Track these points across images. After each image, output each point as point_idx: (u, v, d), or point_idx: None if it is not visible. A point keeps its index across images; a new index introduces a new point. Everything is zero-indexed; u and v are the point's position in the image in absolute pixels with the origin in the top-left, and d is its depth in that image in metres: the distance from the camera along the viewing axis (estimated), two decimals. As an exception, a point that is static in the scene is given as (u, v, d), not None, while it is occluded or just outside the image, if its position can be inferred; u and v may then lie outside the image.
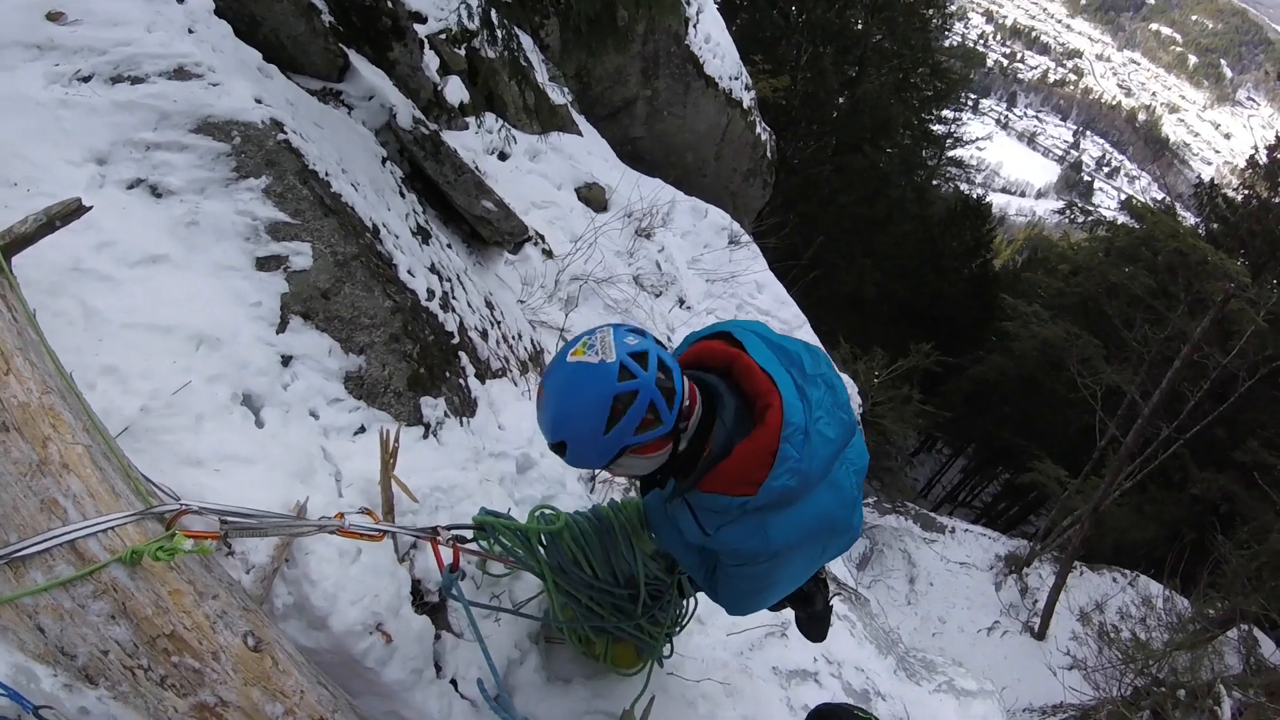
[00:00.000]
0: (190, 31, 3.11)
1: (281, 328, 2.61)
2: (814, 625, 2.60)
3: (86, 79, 2.76)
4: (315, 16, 4.25)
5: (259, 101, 3.02)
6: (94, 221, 2.27)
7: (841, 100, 21.42)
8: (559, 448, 1.75)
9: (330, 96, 4.30)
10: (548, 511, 2.60)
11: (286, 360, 2.58)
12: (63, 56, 2.78)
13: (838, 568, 8.16)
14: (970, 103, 31.47)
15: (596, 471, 4.47)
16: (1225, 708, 7.72)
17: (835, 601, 5.56)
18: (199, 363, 2.31)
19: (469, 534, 2.43)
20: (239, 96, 2.96)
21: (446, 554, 2.35)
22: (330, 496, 2.36)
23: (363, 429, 2.71)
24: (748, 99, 12.50)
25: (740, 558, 1.93)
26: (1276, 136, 17.02)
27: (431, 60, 6.23)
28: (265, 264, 2.67)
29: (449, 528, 2.34)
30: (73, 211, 2.09)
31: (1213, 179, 20.24)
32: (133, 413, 2.06)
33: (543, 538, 2.53)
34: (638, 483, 2.28)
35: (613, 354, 1.67)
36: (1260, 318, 12.38)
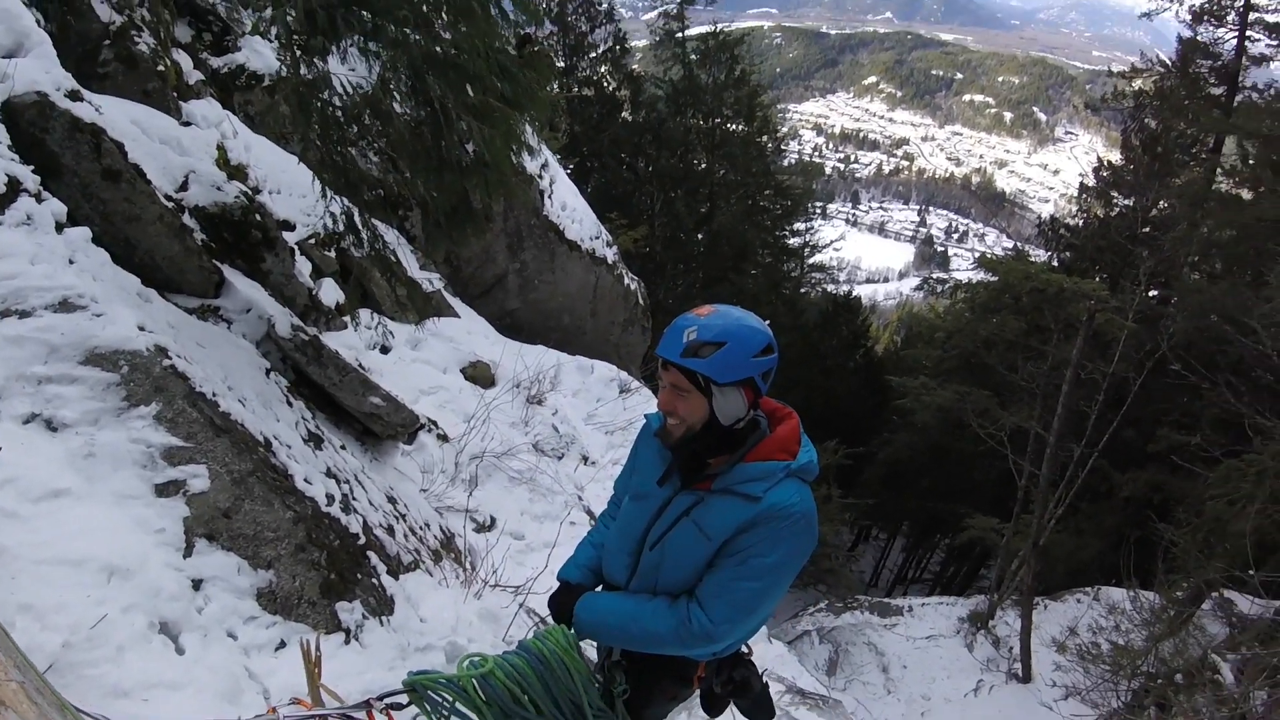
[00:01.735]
0: (71, 262, 3.17)
1: (188, 552, 2.63)
2: (759, 708, 2.63)
3: (-26, 315, 2.79)
4: (188, 236, 4.37)
5: (142, 329, 3.11)
6: (-6, 458, 2.29)
7: (700, 237, 22.82)
8: (711, 349, 2.01)
9: (209, 313, 4.40)
10: (475, 658, 2.58)
11: (197, 584, 2.59)
12: (-49, 291, 2.81)
13: (804, 680, 8.07)
14: (818, 210, 33.79)
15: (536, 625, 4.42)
16: (1225, 671, 7.80)
17: (803, 710, 5.54)
18: (112, 594, 2.30)
19: (403, 700, 2.40)
20: (123, 324, 3.05)
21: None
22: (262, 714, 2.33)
23: (283, 643, 2.70)
24: (611, 254, 13.19)
25: (768, 528, 2.10)
26: (1098, 158, 18.91)
27: (304, 265, 6.39)
28: (164, 490, 2.71)
29: (380, 696, 2.27)
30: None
31: (1052, 214, 22.09)
32: (55, 649, 2.04)
33: (477, 685, 2.51)
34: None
35: None
36: (1129, 321, 13.28)
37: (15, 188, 3.22)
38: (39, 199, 3.30)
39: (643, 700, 2.72)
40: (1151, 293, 15.89)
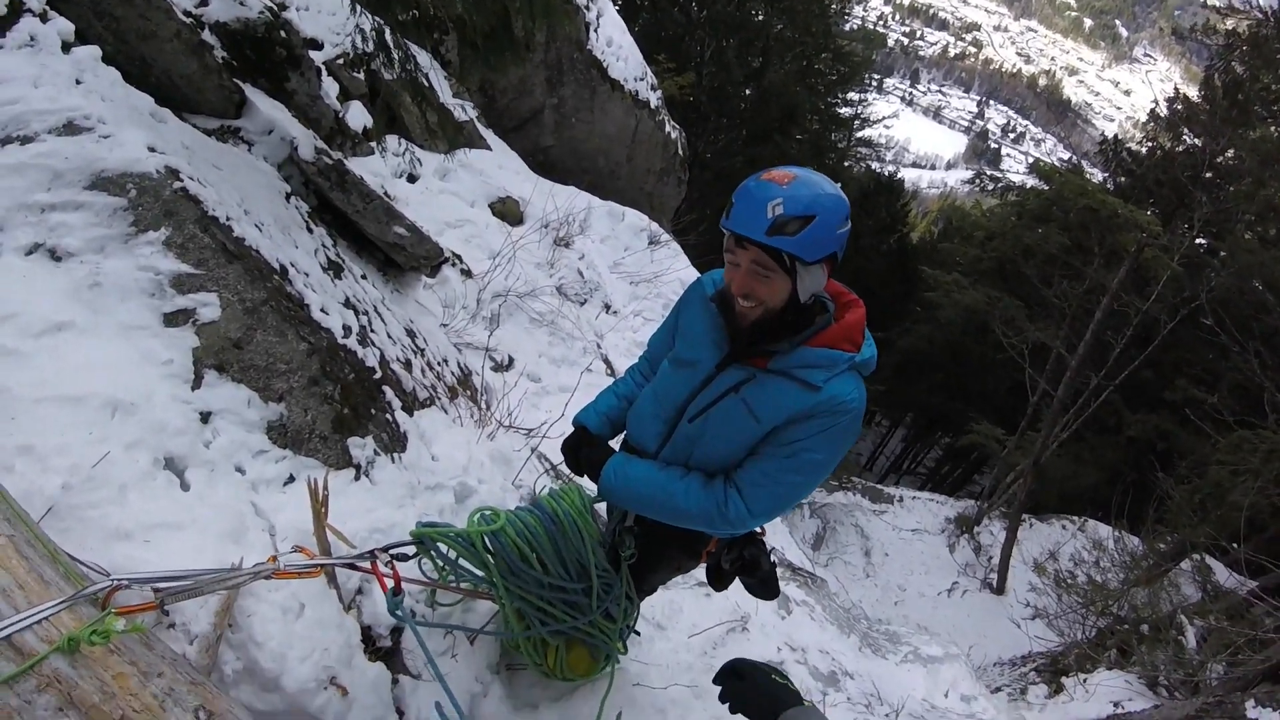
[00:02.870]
0: (78, 83, 2.98)
1: (196, 384, 2.53)
2: (765, 586, 2.62)
3: (-26, 144, 2.63)
4: (207, 53, 4.13)
5: (152, 150, 2.91)
6: (-6, 292, 2.17)
7: (748, 92, 21.77)
8: (798, 225, 1.81)
9: (228, 134, 4.19)
10: (486, 512, 2.54)
11: (205, 417, 2.50)
12: (-53, 122, 2.65)
13: (792, 552, 8.30)
14: (874, 83, 32.36)
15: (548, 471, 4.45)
16: (1189, 635, 8.05)
17: (792, 587, 5.67)
18: (116, 430, 2.22)
19: (410, 550, 2.36)
20: (132, 147, 2.85)
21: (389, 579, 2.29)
22: (266, 553, 2.27)
23: (291, 479, 2.64)
24: (654, 99, 12.57)
25: (823, 421, 2.00)
26: (1175, 89, 17.80)
27: (331, 87, 6.10)
28: (173, 319, 2.58)
29: (386, 548, 2.26)
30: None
31: (1116, 135, 21.02)
32: (54, 491, 1.97)
33: (486, 540, 2.47)
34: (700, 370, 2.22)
35: None
36: (1175, 262, 12.95)
37: (17, 8, 2.99)
38: (44, 19, 3.06)
39: (648, 567, 2.76)
40: (1201, 240, 15.37)
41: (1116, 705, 6.79)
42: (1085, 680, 7.40)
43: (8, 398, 2.09)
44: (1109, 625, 10.23)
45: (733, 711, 1.74)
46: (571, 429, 2.64)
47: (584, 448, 2.51)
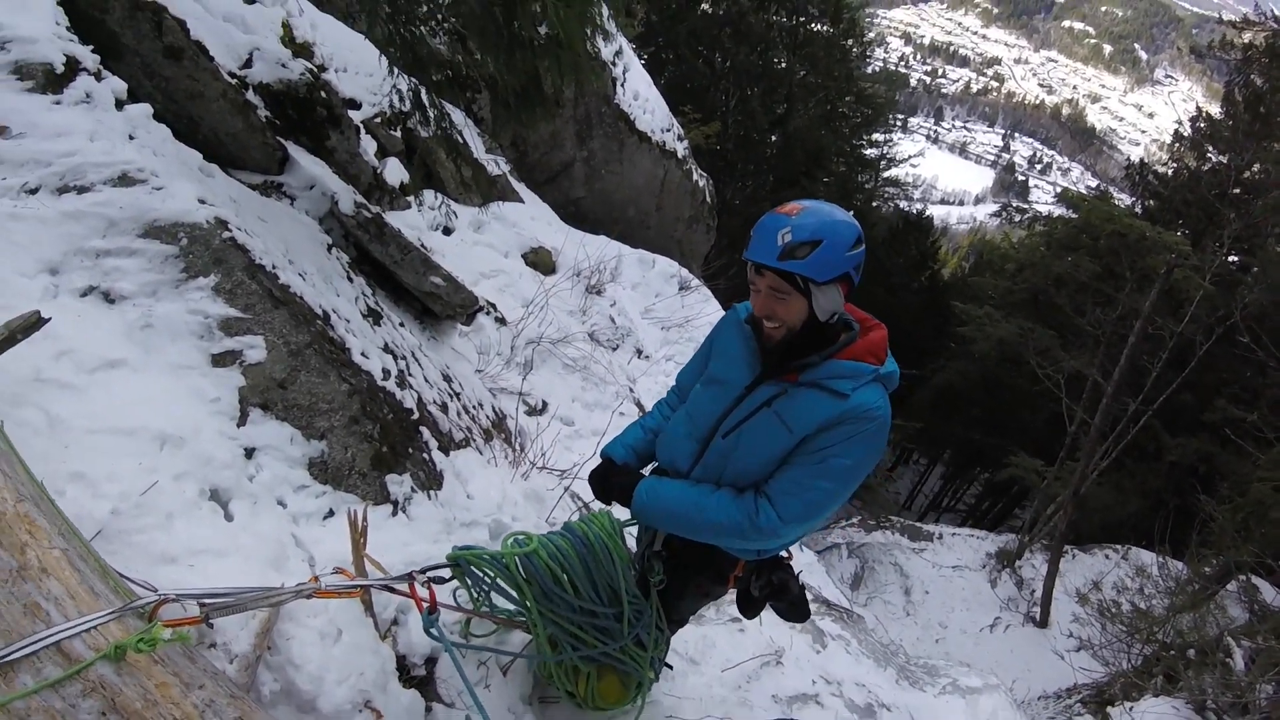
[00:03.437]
0: (131, 138, 3.19)
1: (242, 421, 2.67)
2: (795, 609, 2.65)
3: (34, 191, 2.83)
4: (252, 112, 4.38)
5: (202, 202, 3.11)
6: (51, 331, 2.32)
7: (773, 138, 22.02)
8: (807, 250, 2.00)
9: (272, 189, 4.42)
10: (520, 536, 2.62)
11: (250, 452, 2.64)
12: (9, 170, 2.85)
13: (829, 591, 8.20)
14: (899, 123, 32.45)
15: (580, 509, 4.52)
16: (1237, 657, 7.78)
17: (828, 621, 5.63)
18: (164, 462, 2.35)
19: (446, 574, 2.44)
20: (183, 198, 3.05)
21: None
22: (305, 580, 2.40)
23: (331, 513, 2.76)
24: (681, 149, 12.83)
25: (851, 428, 2.10)
26: (1197, 108, 17.70)
27: (369, 144, 6.37)
28: (221, 360, 2.74)
29: (423, 570, 2.34)
30: (32, 324, 2.14)
31: (1142, 159, 20.91)
32: (103, 516, 2.09)
33: (519, 563, 2.53)
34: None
35: None
36: (1206, 281, 12.75)
37: (74, 67, 3.22)
38: (98, 77, 3.30)
39: (676, 593, 2.81)
40: (1232, 257, 15.20)
41: (1163, 731, 6.59)
42: (1131, 709, 7.18)
43: (62, 428, 2.23)
44: (1155, 652, 9.91)
45: None
46: (599, 461, 2.72)
47: (612, 476, 2.58)
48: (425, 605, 2.25)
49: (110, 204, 2.89)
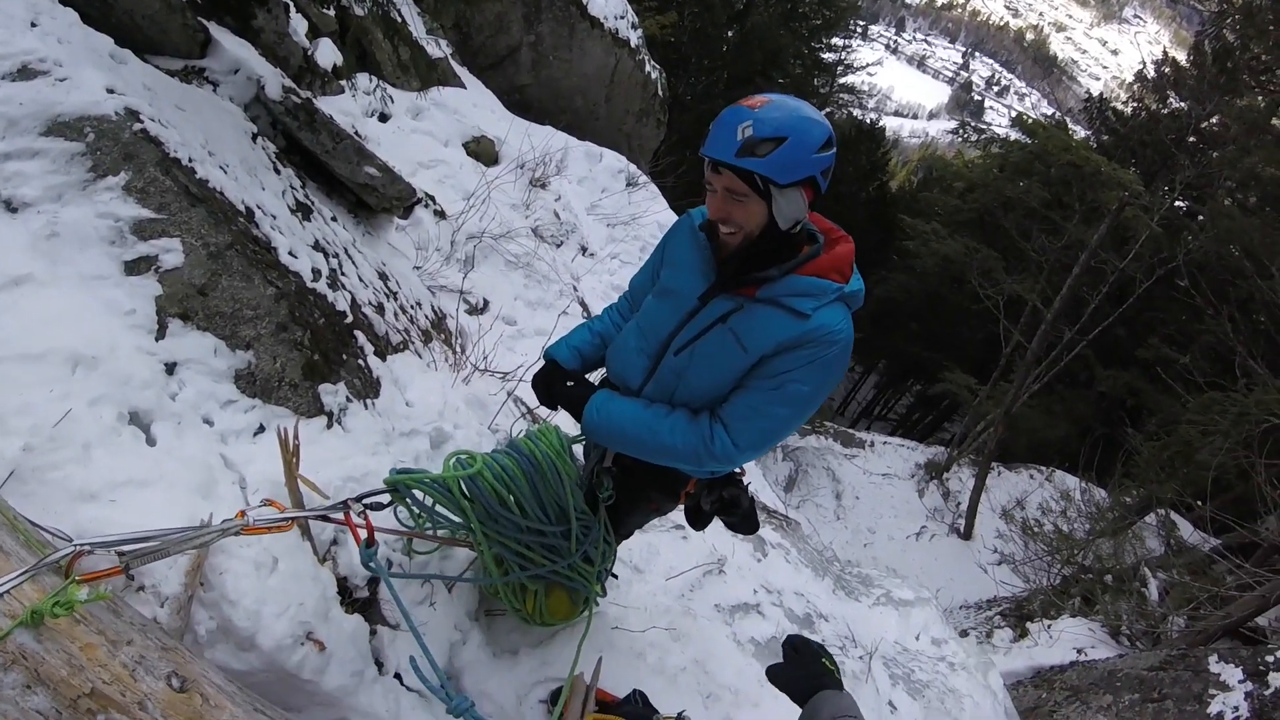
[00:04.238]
0: (34, 25, 2.82)
1: (160, 334, 2.44)
2: (745, 522, 2.63)
3: (-73, 93, 2.49)
4: (171, -10, 3.95)
5: (112, 91, 2.78)
6: (-53, 248, 2.08)
7: (730, 34, 21.28)
8: (769, 147, 1.81)
9: (193, 75, 4.03)
10: (462, 456, 2.50)
11: (171, 368, 2.42)
12: (-108, 69, 2.50)
13: (766, 494, 8.40)
14: (859, 29, 31.74)
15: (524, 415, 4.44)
16: (1152, 588, 8.27)
17: (768, 529, 5.74)
18: (78, 386, 2.13)
19: (385, 499, 2.32)
20: (90, 89, 2.72)
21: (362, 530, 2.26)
22: (237, 506, 2.21)
23: (262, 428, 2.58)
24: (635, 38, 12.29)
25: (811, 351, 1.99)
26: (1164, 52, 17.70)
27: (299, 24, 5.88)
28: (135, 267, 2.48)
29: (359, 498, 2.21)
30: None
31: (1102, 94, 20.94)
32: (15, 454, 1.89)
33: (462, 485, 2.43)
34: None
35: None
36: (1154, 223, 13.05)
37: None
38: None
39: (626, 509, 2.77)
40: (1181, 203, 15.57)
41: (1080, 652, 6.98)
42: (1050, 626, 7.61)
43: (-36, 359, 2.01)
44: (1074, 574, 10.53)
45: (773, 682, 1.79)
46: (541, 363, 2.61)
47: (558, 383, 2.48)
48: (363, 537, 2.15)
49: (9, 100, 2.55)
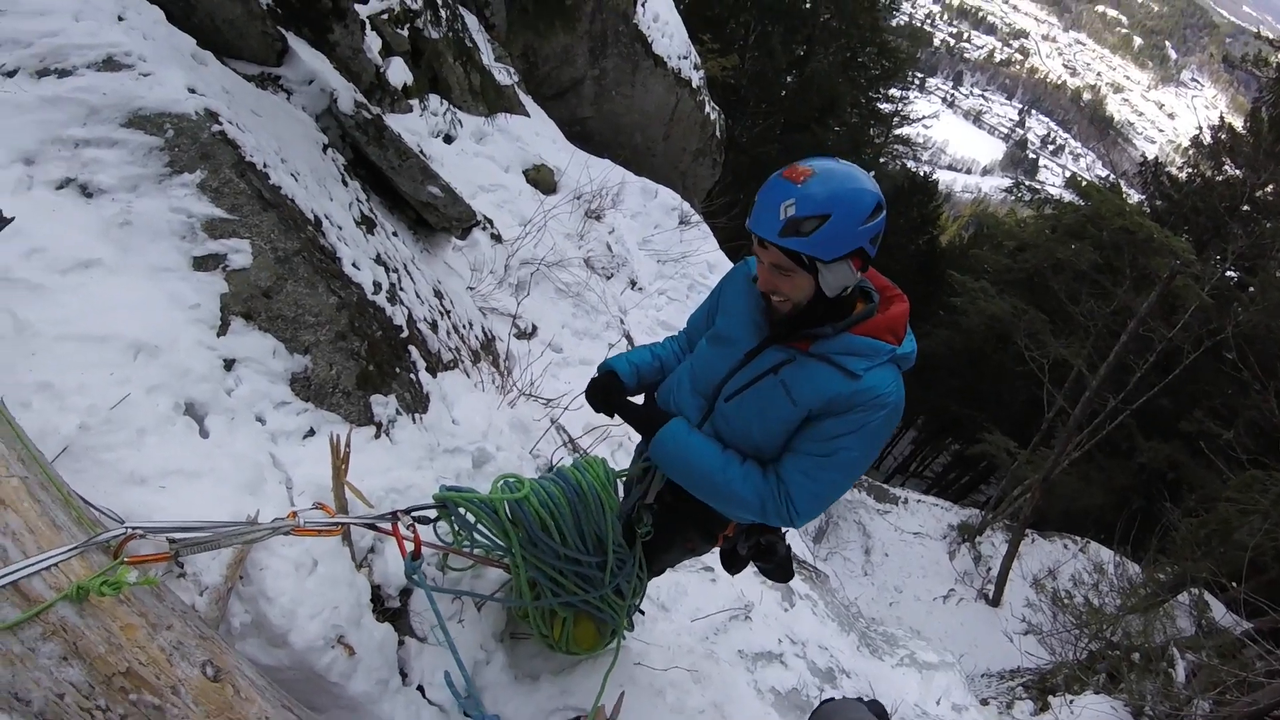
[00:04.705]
0: (120, 19, 2.92)
1: (222, 330, 2.49)
2: (779, 569, 2.64)
3: (11, 74, 2.58)
4: (252, -1, 4.07)
5: (192, 91, 2.86)
6: (22, 227, 2.14)
7: (790, 79, 21.51)
8: (813, 225, 1.79)
9: (268, 81, 4.13)
10: (511, 479, 2.53)
11: (229, 364, 2.47)
12: (-15, 50, 2.61)
13: (795, 544, 8.28)
14: (917, 81, 31.87)
15: (566, 443, 4.43)
16: (1179, 669, 7.99)
17: (797, 579, 5.66)
18: (138, 373, 2.18)
19: (432, 514, 2.35)
20: (171, 87, 2.80)
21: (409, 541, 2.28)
22: (282, 506, 2.26)
23: (312, 432, 2.61)
24: (696, 78, 12.42)
25: (861, 416, 1.97)
26: (1220, 118, 17.48)
27: (374, 42, 6.03)
28: (203, 264, 2.54)
29: (409, 510, 2.25)
30: (-6, 225, 1.95)
31: (1157, 157, 20.75)
32: (70, 431, 1.93)
33: (508, 508, 2.45)
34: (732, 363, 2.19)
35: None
36: (1204, 293, 12.79)
37: None
38: None
39: (662, 546, 2.78)
40: (1232, 273, 15.22)
41: (1100, 730, 6.77)
42: (1072, 701, 7.38)
43: (29, 333, 2.05)
44: (1101, 649, 10.21)
45: None
46: (598, 373, 2.60)
47: (617, 394, 2.49)
48: (409, 549, 2.17)
49: (93, 89, 2.63)
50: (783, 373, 2.04)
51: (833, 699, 1.90)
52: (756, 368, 2.10)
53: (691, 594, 4.31)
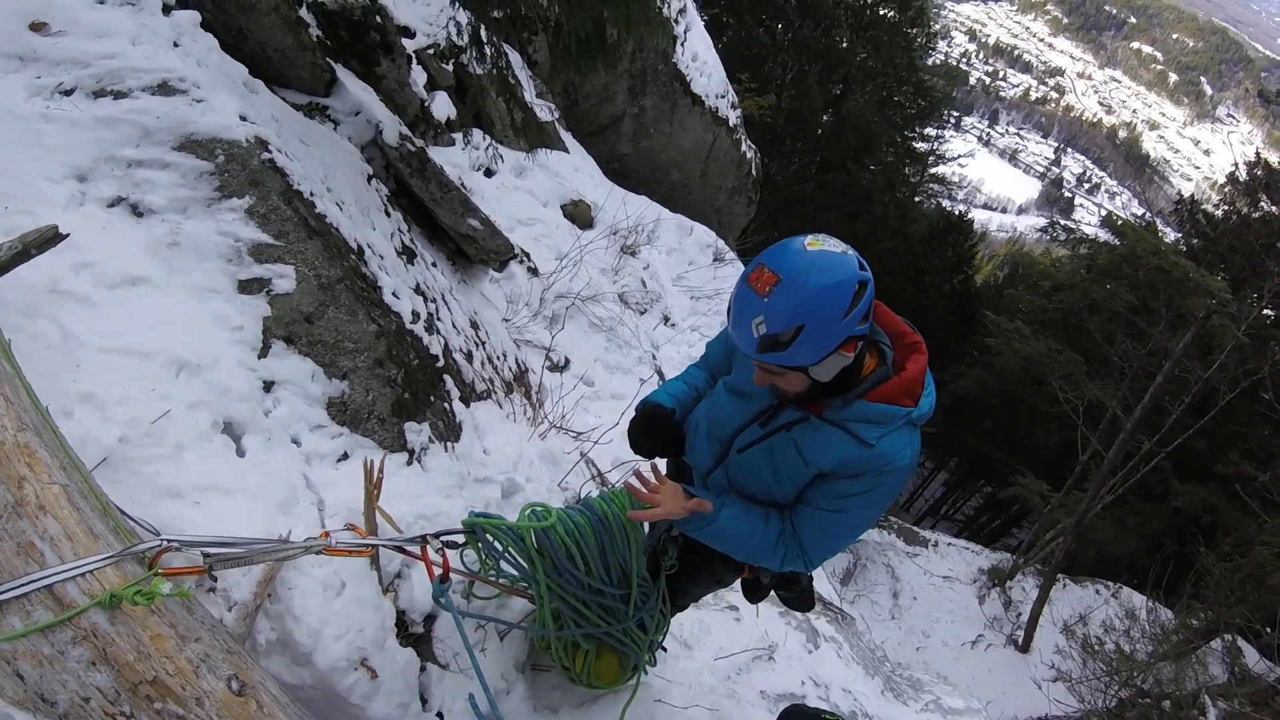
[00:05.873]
0: (176, 45, 3.05)
1: (263, 352, 2.56)
2: (801, 599, 2.66)
3: (69, 92, 2.71)
4: (303, 30, 4.22)
5: (244, 119, 2.97)
6: (73, 241, 2.22)
7: (826, 118, 21.60)
8: (788, 337, 1.72)
9: (316, 111, 4.27)
10: (538, 509, 2.55)
11: (268, 386, 2.53)
12: (45, 68, 2.74)
13: (822, 585, 8.18)
14: (953, 120, 31.86)
15: (594, 477, 4.45)
16: (1210, 716, 7.74)
17: (822, 622, 5.57)
18: (179, 389, 2.25)
19: (460, 539, 2.38)
20: (223, 113, 2.91)
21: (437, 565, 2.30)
22: (313, 527, 2.30)
23: (346, 456, 2.66)
24: (733, 117, 12.56)
25: (872, 480, 1.95)
26: (1256, 154, 17.25)
27: (419, 76, 6.21)
28: (247, 287, 2.62)
29: (438, 535, 2.28)
30: (49, 239, 2.04)
31: (1193, 195, 20.52)
32: (111, 442, 1.99)
33: (535, 536, 2.46)
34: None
35: (846, 248, 1.77)
36: (1241, 333, 12.54)
37: None
38: None
39: (688, 578, 2.77)
40: (1269, 312, 14.84)
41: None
42: (1101, 751, 7.15)
43: (75, 344, 2.13)
44: (1131, 696, 9.91)
45: None
46: (638, 411, 2.50)
47: (659, 420, 2.42)
48: (438, 573, 2.20)
49: (147, 112, 2.75)
50: (795, 431, 2.02)
51: (793, 708, 1.88)
52: (769, 425, 2.09)
53: (715, 632, 4.26)
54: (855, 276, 1.73)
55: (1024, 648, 13.11)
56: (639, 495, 2.15)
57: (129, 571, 1.54)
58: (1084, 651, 12.28)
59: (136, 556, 1.56)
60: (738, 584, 2.75)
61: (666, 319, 7.78)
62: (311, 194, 3.02)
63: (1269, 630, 8.87)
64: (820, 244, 1.75)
